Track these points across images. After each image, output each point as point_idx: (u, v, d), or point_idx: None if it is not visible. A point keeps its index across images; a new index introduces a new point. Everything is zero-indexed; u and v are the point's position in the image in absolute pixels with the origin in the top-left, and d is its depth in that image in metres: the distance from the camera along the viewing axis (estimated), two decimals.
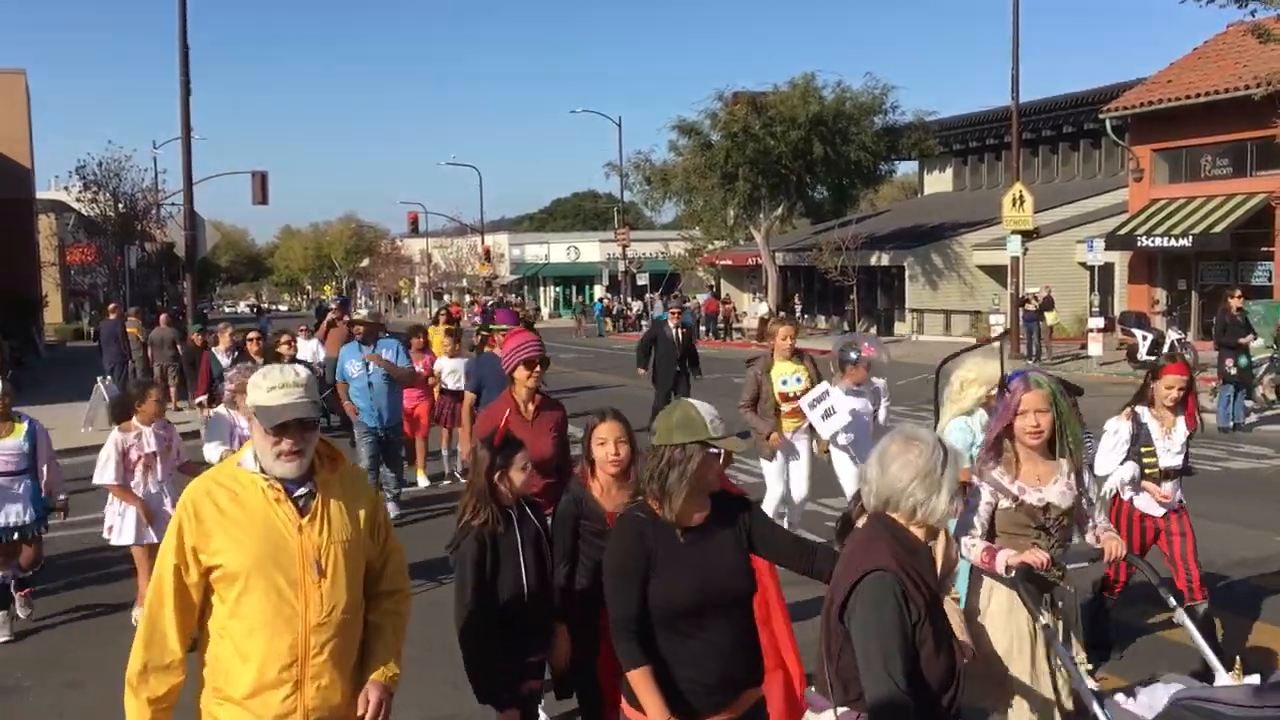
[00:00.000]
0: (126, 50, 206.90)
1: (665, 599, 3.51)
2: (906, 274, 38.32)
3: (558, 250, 74.31)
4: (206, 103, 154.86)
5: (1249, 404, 16.20)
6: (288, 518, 3.27)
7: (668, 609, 3.51)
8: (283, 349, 11.38)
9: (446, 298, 57.64)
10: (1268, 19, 22.51)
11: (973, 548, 4.35)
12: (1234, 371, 15.27)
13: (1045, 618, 4.24)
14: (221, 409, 8.15)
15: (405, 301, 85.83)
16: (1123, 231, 29.37)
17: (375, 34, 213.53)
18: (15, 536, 7.70)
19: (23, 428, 7.68)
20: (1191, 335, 26.41)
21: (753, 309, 44.75)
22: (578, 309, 57.82)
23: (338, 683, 3.33)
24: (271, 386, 3.27)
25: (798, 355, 8.58)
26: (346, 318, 16.30)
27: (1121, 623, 6.87)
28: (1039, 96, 39.08)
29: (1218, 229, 26.88)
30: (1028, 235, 27.71)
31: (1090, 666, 4.31)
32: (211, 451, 7.71)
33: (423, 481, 12.79)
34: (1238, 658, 4.32)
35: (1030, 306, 27.70)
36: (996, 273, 33.91)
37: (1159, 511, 6.31)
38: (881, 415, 8.31)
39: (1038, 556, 4.19)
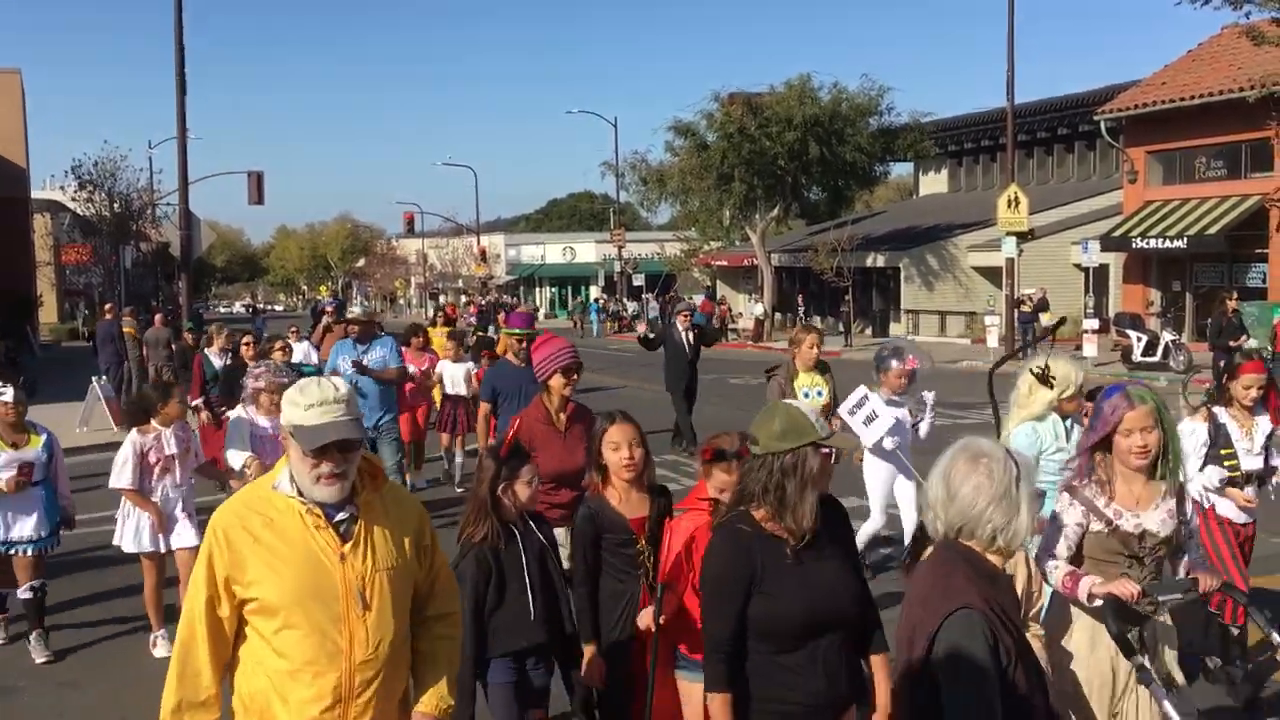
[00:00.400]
0: (123, 50, 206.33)
1: (770, 618, 3.27)
2: (902, 275, 38.35)
3: (553, 251, 74.17)
4: (204, 103, 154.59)
5: None
6: (328, 545, 3.03)
7: (770, 629, 3.28)
8: (277, 355, 11.17)
9: (443, 298, 57.51)
10: (1262, 21, 22.61)
11: (1055, 569, 4.00)
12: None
13: (1140, 658, 3.72)
14: (240, 410, 7.75)
15: (400, 302, 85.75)
16: (1117, 233, 29.42)
17: (374, 34, 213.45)
18: (29, 550, 7.32)
19: (40, 439, 7.38)
20: (1186, 337, 26.49)
21: (748, 310, 44.80)
22: (577, 309, 57.77)
23: None
24: (310, 404, 2.99)
25: (820, 366, 8.52)
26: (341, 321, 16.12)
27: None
28: (1036, 98, 39.24)
29: (1212, 231, 26.93)
30: (1023, 237, 27.76)
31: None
32: (235, 458, 7.35)
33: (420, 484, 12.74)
34: None
35: (1025, 308, 27.79)
36: (992, 274, 33.95)
37: (1244, 519, 5.88)
38: (924, 429, 7.76)
39: (1127, 588, 3.78)
